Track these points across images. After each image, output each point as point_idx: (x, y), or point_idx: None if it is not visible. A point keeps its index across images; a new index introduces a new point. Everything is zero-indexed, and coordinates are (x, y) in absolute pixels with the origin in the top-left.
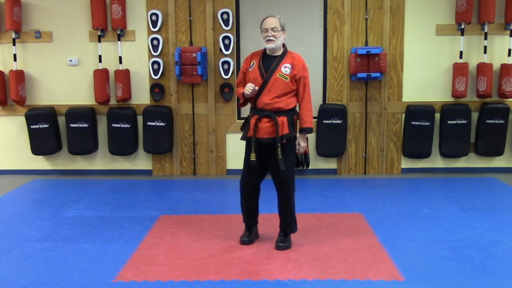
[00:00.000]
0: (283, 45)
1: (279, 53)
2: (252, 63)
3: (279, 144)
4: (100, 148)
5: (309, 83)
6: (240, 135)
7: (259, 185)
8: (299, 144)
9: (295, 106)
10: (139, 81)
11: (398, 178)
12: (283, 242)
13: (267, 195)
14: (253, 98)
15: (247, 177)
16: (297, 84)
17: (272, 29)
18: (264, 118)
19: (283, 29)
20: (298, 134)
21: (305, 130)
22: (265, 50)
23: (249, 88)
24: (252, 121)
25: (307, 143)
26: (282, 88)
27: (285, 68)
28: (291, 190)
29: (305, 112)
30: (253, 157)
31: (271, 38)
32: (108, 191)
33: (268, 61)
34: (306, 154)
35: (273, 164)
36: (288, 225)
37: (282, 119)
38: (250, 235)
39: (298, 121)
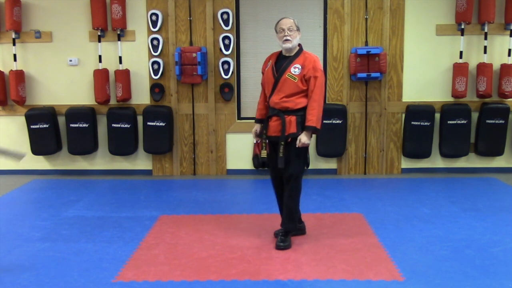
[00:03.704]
0: (299, 45)
1: (293, 53)
2: (269, 63)
3: (282, 142)
4: (100, 148)
5: (320, 83)
6: (240, 135)
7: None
8: (299, 140)
9: (305, 106)
10: (139, 81)
11: (398, 178)
12: (283, 241)
13: (266, 195)
14: (268, 97)
15: (270, 171)
16: (308, 84)
17: (289, 28)
18: (274, 117)
19: (298, 29)
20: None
21: (307, 129)
22: (281, 51)
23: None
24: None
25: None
26: (290, 88)
27: (294, 69)
28: (293, 190)
29: (310, 111)
30: (263, 153)
31: (288, 38)
32: (108, 191)
33: (281, 62)
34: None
35: None
36: (285, 223)
37: (291, 118)
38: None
39: None
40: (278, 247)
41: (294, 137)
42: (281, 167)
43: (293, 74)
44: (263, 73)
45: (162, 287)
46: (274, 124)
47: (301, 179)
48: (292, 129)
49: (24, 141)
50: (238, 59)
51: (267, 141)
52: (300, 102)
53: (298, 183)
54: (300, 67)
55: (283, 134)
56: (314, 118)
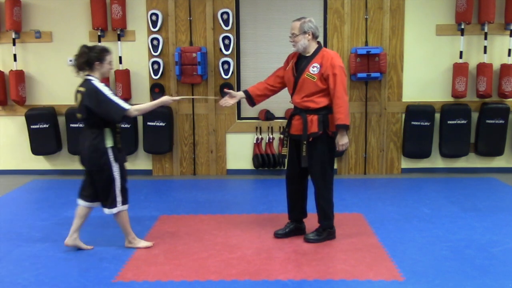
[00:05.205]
0: (318, 44)
1: (311, 53)
2: (291, 62)
3: (304, 142)
4: None
5: (341, 79)
6: (240, 135)
7: (300, 179)
8: (337, 143)
9: (328, 105)
10: (139, 81)
11: (398, 178)
12: (315, 235)
13: (266, 195)
14: (291, 96)
15: (287, 168)
16: (327, 82)
17: (292, 33)
18: (296, 115)
19: (304, 32)
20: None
21: (338, 127)
22: None
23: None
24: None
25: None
26: (310, 87)
27: (313, 68)
28: (320, 188)
29: (336, 109)
30: (284, 151)
31: (292, 42)
32: None
33: (301, 62)
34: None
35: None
36: (320, 220)
37: (312, 118)
38: (286, 229)
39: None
40: (307, 239)
41: (316, 136)
42: (304, 166)
43: (311, 74)
44: (282, 68)
45: (162, 287)
46: (296, 123)
47: (329, 178)
48: (314, 128)
49: (24, 141)
50: (238, 59)
51: (288, 139)
52: (321, 101)
53: (326, 182)
54: (318, 66)
55: (304, 133)
56: (342, 116)
